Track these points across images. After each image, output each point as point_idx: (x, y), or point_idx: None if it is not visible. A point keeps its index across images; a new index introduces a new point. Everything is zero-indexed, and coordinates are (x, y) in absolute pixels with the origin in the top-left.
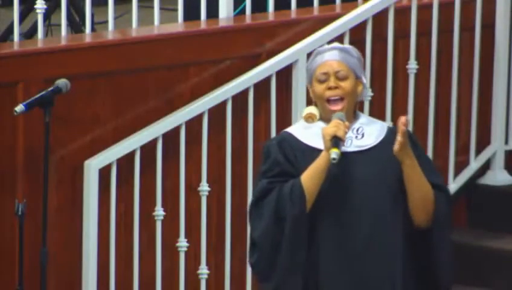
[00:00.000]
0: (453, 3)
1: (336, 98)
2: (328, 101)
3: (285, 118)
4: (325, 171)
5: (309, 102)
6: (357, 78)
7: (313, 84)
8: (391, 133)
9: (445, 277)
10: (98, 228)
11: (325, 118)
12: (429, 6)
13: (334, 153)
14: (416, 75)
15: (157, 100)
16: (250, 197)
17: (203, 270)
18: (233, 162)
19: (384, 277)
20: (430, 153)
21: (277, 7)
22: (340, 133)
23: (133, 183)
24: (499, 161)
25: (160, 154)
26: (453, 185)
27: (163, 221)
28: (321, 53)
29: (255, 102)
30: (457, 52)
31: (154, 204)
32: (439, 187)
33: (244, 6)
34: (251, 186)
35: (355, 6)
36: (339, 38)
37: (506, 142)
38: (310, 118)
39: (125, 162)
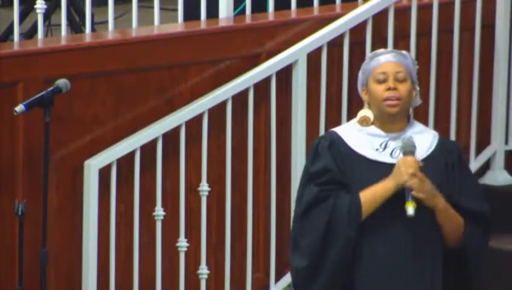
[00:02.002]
0: (453, 3)
1: (394, 98)
2: (385, 100)
3: (285, 118)
4: (386, 199)
5: (309, 102)
6: (413, 83)
7: (369, 85)
8: (441, 145)
9: None
10: (98, 228)
11: (379, 120)
12: (429, 6)
13: (411, 209)
14: (416, 75)
15: (157, 100)
16: (250, 197)
17: (203, 270)
18: (233, 162)
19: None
20: None
21: (277, 7)
22: (415, 187)
23: (133, 183)
24: (499, 161)
25: (160, 154)
26: None
27: (163, 221)
28: (378, 55)
29: (255, 102)
30: (457, 52)
31: (154, 204)
32: (475, 215)
33: (244, 6)
34: (251, 186)
35: (355, 6)
36: (339, 39)
37: (506, 142)
38: (364, 121)
39: (125, 162)
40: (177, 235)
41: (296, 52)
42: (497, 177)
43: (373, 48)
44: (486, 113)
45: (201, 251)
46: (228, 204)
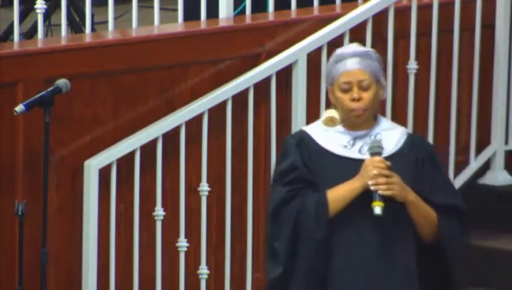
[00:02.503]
0: (453, 3)
1: (359, 109)
2: (351, 111)
3: (285, 118)
4: (353, 199)
5: (309, 102)
6: (379, 82)
7: (334, 90)
8: (410, 141)
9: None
10: (98, 228)
11: (346, 122)
12: (429, 6)
13: (378, 209)
14: (416, 75)
15: (157, 100)
16: (250, 197)
17: (203, 270)
18: (233, 162)
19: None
20: None
21: (277, 7)
22: (382, 189)
23: (133, 183)
24: (499, 161)
25: (160, 154)
26: None
27: (163, 221)
28: (343, 59)
29: (255, 102)
30: (457, 52)
31: (154, 204)
32: (450, 208)
33: (244, 6)
34: (251, 186)
35: (355, 6)
36: (339, 39)
37: (506, 142)
38: (330, 122)
39: (125, 162)
40: (177, 235)
41: (296, 52)
42: (497, 177)
43: (373, 48)
44: (486, 113)
45: (201, 251)
46: (228, 204)
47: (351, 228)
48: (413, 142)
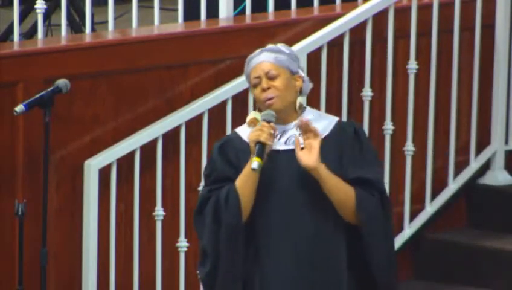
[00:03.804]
0: (453, 3)
1: (271, 97)
2: (265, 101)
3: None
4: (257, 176)
5: (309, 102)
6: (294, 74)
7: (251, 89)
8: (338, 128)
9: (381, 278)
10: (98, 228)
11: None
12: (429, 6)
13: (255, 163)
14: (416, 75)
15: (157, 100)
16: None
17: None
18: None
19: (329, 275)
20: (430, 153)
21: (277, 7)
22: (263, 138)
23: (133, 183)
24: (499, 161)
25: (160, 154)
26: (453, 185)
27: (163, 221)
28: (251, 58)
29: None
30: (457, 52)
31: (154, 204)
32: (368, 182)
33: (244, 6)
34: None
35: (355, 6)
36: (339, 39)
37: (506, 142)
38: (252, 123)
39: (125, 162)
40: (177, 235)
41: (296, 52)
42: (497, 177)
43: (373, 48)
44: (486, 113)
45: None
46: None
47: (274, 220)
48: (341, 128)
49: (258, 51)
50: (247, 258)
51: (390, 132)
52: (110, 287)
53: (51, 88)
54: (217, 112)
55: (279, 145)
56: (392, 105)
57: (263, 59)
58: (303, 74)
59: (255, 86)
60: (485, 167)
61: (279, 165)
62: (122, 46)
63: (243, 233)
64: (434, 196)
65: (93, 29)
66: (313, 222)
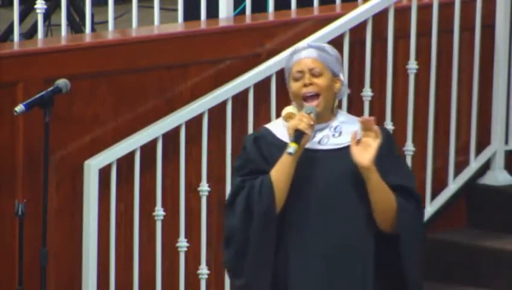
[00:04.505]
0: (453, 3)
1: (311, 94)
2: (305, 98)
3: None
4: (292, 166)
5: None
6: (335, 76)
7: (290, 82)
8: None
9: (411, 287)
10: (98, 228)
11: None
12: (429, 6)
13: (291, 147)
14: (416, 75)
15: (157, 100)
16: None
17: (203, 270)
18: (233, 162)
19: (354, 279)
20: (430, 153)
21: (277, 7)
22: (302, 126)
23: (133, 183)
24: (499, 161)
25: (160, 154)
26: (453, 185)
27: (163, 221)
28: (297, 52)
29: (255, 102)
30: (457, 52)
31: (154, 204)
32: (408, 190)
33: (244, 6)
34: None
35: (355, 6)
36: (339, 38)
37: (506, 142)
38: (289, 118)
39: (125, 162)
40: (177, 235)
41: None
42: (497, 177)
43: (373, 48)
44: (486, 113)
45: (201, 251)
46: None
47: (305, 219)
48: None
49: (304, 44)
50: (277, 252)
51: (390, 132)
52: (110, 287)
53: (51, 88)
54: (217, 112)
55: (314, 144)
56: (392, 105)
57: (309, 55)
58: (343, 77)
59: (295, 79)
60: (485, 167)
61: (314, 165)
62: (122, 46)
63: (275, 223)
64: (434, 196)
65: (93, 29)
66: (343, 224)
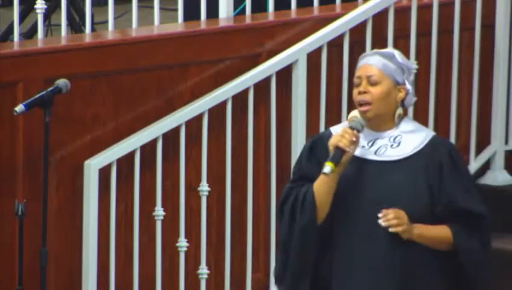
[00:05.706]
0: (453, 3)
1: (363, 102)
2: (360, 105)
3: (285, 118)
4: (330, 183)
5: (309, 102)
6: (398, 84)
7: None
8: (432, 144)
9: None
10: (98, 228)
11: (368, 122)
12: (429, 6)
13: (327, 167)
14: (416, 75)
15: (157, 100)
16: (250, 197)
17: (203, 270)
18: (233, 162)
19: None
20: None
21: (277, 7)
22: (342, 143)
23: (133, 183)
24: (499, 161)
25: (160, 154)
26: None
27: (163, 221)
28: (363, 58)
29: (255, 102)
30: (457, 52)
31: (154, 204)
32: (471, 215)
33: (244, 6)
34: (251, 186)
35: (355, 6)
36: (339, 39)
37: (506, 142)
38: (352, 122)
39: (125, 162)
40: (177, 235)
41: (296, 52)
42: (497, 177)
43: (373, 48)
44: (486, 113)
45: (201, 251)
46: (228, 204)
47: (352, 230)
48: (434, 145)
49: (372, 51)
50: (323, 261)
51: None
52: (110, 287)
53: (51, 88)
54: (217, 112)
55: (370, 154)
56: None
57: (371, 62)
58: (409, 86)
59: (355, 85)
60: (485, 167)
61: (368, 175)
62: (122, 46)
63: (317, 234)
64: None
65: (93, 29)
66: (395, 240)
